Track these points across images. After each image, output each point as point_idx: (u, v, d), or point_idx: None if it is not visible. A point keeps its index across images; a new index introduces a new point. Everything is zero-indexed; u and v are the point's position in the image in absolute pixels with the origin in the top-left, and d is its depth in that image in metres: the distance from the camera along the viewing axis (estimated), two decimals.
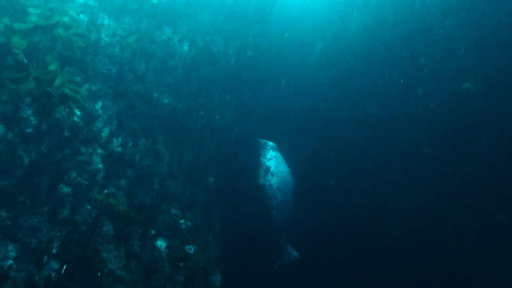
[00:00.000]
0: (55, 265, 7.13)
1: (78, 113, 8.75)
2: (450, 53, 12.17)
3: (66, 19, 9.25)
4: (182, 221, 9.88)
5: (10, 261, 6.72)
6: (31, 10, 9.33)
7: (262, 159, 12.78)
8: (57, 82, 7.84)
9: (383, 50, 13.27)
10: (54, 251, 7.22)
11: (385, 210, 11.87)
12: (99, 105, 9.87)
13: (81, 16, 11.08)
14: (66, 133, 8.64)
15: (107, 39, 11.12)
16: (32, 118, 8.32)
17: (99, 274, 7.52)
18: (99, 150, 9.13)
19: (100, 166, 8.92)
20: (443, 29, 12.45)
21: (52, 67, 8.34)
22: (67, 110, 8.36)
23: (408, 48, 12.89)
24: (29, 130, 8.18)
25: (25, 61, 8.24)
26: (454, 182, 11.40)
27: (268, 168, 12.49)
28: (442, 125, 11.86)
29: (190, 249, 9.53)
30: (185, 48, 12.39)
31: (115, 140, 9.59)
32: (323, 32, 14.57)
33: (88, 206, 8.11)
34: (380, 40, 13.39)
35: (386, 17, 13.47)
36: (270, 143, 13.14)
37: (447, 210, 11.23)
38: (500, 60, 11.37)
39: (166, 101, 11.39)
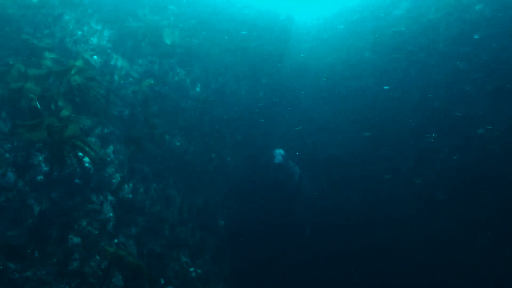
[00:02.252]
0: None
1: (88, 160, 8.65)
2: (465, 97, 12.06)
3: (79, 63, 9.24)
4: (192, 269, 9.69)
5: None
6: (46, 54, 9.32)
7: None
8: (69, 131, 7.76)
9: (396, 91, 13.18)
10: None
11: (397, 256, 11.63)
12: (110, 149, 9.77)
13: (95, 57, 11.07)
14: (77, 181, 8.52)
15: (120, 81, 11.09)
16: (43, 165, 8.21)
17: None
18: (109, 197, 9.01)
19: (111, 214, 8.79)
20: (457, 73, 12.36)
21: (64, 113, 8.28)
22: (78, 156, 8.27)
23: (421, 90, 12.78)
24: (40, 178, 8.06)
25: (39, 107, 8.20)
26: (468, 228, 11.19)
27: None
28: (455, 170, 11.69)
29: None
30: (197, 89, 12.36)
31: (126, 186, 9.47)
32: (334, 72, 14.54)
33: (97, 257, 7.94)
34: (392, 81, 13.31)
35: (399, 58, 13.42)
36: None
37: (461, 257, 10.99)
38: None
39: (177, 143, 11.31)
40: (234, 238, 11.89)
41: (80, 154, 8.37)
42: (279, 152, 13.18)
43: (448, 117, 12.19)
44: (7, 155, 7.88)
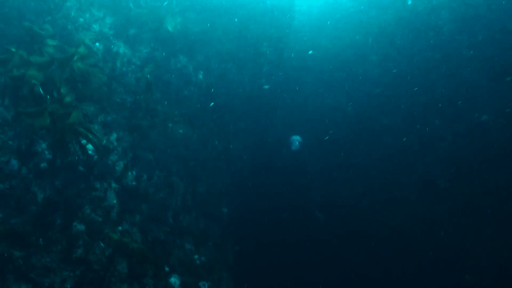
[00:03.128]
0: None
1: (91, 147, 8.60)
2: (468, 85, 11.99)
3: (81, 50, 9.15)
4: (196, 256, 9.67)
5: None
6: (48, 41, 9.24)
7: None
8: (72, 118, 7.71)
9: (399, 79, 13.10)
10: None
11: (399, 242, 11.61)
12: (114, 136, 9.74)
13: (97, 44, 11.00)
14: (80, 168, 8.49)
15: (122, 68, 11.02)
16: (46, 152, 8.18)
17: None
18: (113, 185, 8.98)
19: (115, 201, 8.77)
20: (461, 60, 12.28)
21: (67, 99, 8.23)
22: (82, 143, 8.23)
23: (424, 78, 12.71)
24: (43, 165, 8.03)
25: (42, 92, 8.14)
26: (471, 216, 11.16)
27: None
28: (459, 157, 11.65)
29: (204, 285, 9.31)
30: (200, 76, 12.29)
31: (129, 173, 9.44)
32: (338, 60, 14.43)
33: (102, 244, 7.93)
34: (396, 69, 13.22)
35: (403, 46, 13.32)
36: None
37: (464, 244, 10.98)
38: None
39: (180, 131, 11.26)
40: (237, 225, 11.86)
41: (83, 141, 8.32)
42: (297, 139, 13.11)
43: (452, 104, 12.13)
44: (10, 142, 7.85)
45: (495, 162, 11.19)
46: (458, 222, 11.28)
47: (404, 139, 12.44)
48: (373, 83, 13.52)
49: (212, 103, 12.37)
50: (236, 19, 13.37)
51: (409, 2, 13.37)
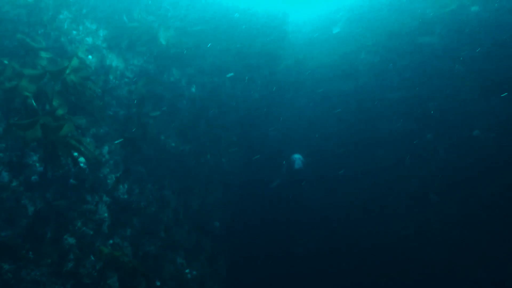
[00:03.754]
0: None
1: (83, 160, 8.56)
2: (460, 99, 12.07)
3: (74, 63, 9.13)
4: (187, 270, 9.61)
5: None
6: (42, 53, 9.23)
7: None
8: (64, 130, 7.68)
9: (392, 94, 13.17)
10: None
11: (392, 256, 11.59)
12: (105, 149, 9.70)
13: (89, 57, 10.99)
14: (72, 181, 8.43)
15: (115, 81, 11.01)
16: (37, 165, 8.13)
17: None
18: (105, 198, 8.92)
19: (106, 215, 8.70)
20: (452, 75, 12.38)
21: (59, 111, 8.20)
22: (73, 156, 8.19)
23: (416, 91, 12.79)
24: (34, 178, 7.97)
25: (35, 104, 8.11)
26: (464, 229, 11.18)
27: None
28: (451, 171, 11.69)
29: None
30: (193, 90, 12.29)
31: (121, 186, 9.39)
32: (330, 73, 14.51)
33: (92, 258, 7.85)
34: (388, 83, 13.30)
35: (394, 61, 13.42)
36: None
37: (457, 258, 10.98)
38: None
39: (173, 144, 11.25)
40: (229, 239, 11.81)
41: (75, 153, 8.28)
42: (299, 158, 13.09)
43: (444, 119, 12.20)
44: (1, 154, 7.80)
45: (486, 176, 11.23)
46: (450, 236, 11.28)
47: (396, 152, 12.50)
48: (365, 97, 13.59)
49: (210, 111, 12.40)
50: (230, 33, 13.42)
51: (404, 16, 13.50)
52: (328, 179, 13.19)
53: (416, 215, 11.83)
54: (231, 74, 13.07)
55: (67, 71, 8.91)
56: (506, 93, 11.34)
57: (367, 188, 12.62)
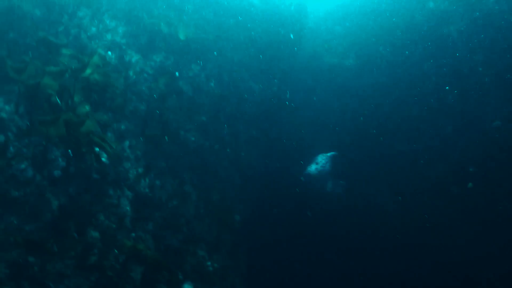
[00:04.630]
0: None
1: (105, 155, 8.67)
2: (480, 90, 11.95)
3: (96, 59, 9.26)
4: (209, 263, 9.69)
5: None
6: (63, 50, 9.36)
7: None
8: (86, 127, 7.79)
9: (410, 86, 13.07)
10: None
11: (413, 248, 11.53)
12: (126, 144, 9.81)
13: (109, 53, 11.10)
14: (94, 175, 8.55)
15: (134, 77, 11.12)
16: (60, 160, 8.25)
17: None
18: (127, 192, 9.03)
19: (128, 208, 8.81)
20: (471, 66, 12.25)
21: (81, 109, 8.32)
22: (95, 152, 8.31)
23: (435, 84, 12.68)
24: (57, 172, 8.10)
25: (59, 102, 8.23)
26: (485, 223, 11.08)
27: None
28: (471, 163, 11.59)
29: None
30: (212, 84, 12.34)
31: (142, 180, 9.49)
32: (348, 67, 14.44)
33: (115, 251, 7.96)
34: (407, 76, 13.20)
35: (413, 52, 13.31)
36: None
37: (478, 253, 10.88)
38: None
39: (192, 139, 11.31)
40: (250, 232, 11.86)
41: (97, 149, 8.39)
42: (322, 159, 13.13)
43: (463, 111, 12.09)
44: (24, 150, 7.93)
45: (508, 167, 11.12)
46: (473, 229, 11.19)
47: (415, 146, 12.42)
48: (385, 90, 13.49)
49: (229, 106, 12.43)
50: (247, 26, 13.43)
51: (422, 9, 13.39)
52: (348, 175, 13.15)
53: (437, 207, 11.72)
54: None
55: (89, 70, 9.03)
56: None
57: (387, 181, 12.55)
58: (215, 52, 12.67)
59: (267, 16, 13.96)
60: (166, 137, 10.59)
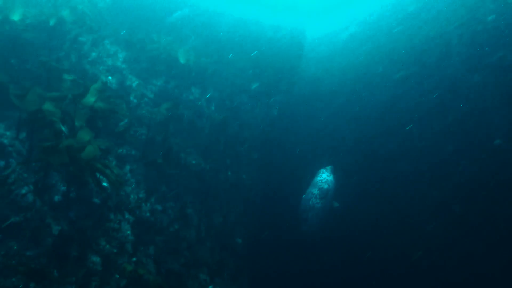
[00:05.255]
0: None
1: (106, 180, 8.66)
2: (479, 109, 11.95)
3: (96, 85, 9.31)
4: (211, 287, 9.61)
5: None
6: (65, 76, 9.42)
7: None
8: (88, 153, 7.80)
9: (411, 106, 13.09)
10: None
11: (415, 268, 11.43)
12: (127, 168, 9.81)
13: (110, 78, 11.18)
14: (94, 200, 8.53)
15: (135, 101, 11.18)
16: (60, 185, 8.24)
17: None
18: (127, 216, 9.00)
19: (129, 232, 8.77)
20: (470, 85, 12.27)
21: (82, 134, 8.33)
22: (96, 177, 8.29)
23: (436, 104, 12.69)
24: (57, 197, 8.09)
25: (63, 129, 8.25)
26: (486, 242, 10.98)
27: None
28: (473, 182, 11.53)
29: None
30: (212, 108, 12.39)
31: (143, 204, 9.46)
32: (345, 88, 14.51)
33: (117, 276, 7.90)
34: (406, 95, 13.23)
35: (412, 72, 13.36)
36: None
37: (480, 272, 10.75)
38: None
39: (193, 161, 11.32)
40: (252, 255, 11.78)
41: (98, 174, 8.37)
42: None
43: (464, 130, 12.07)
44: (25, 175, 7.93)
45: (509, 186, 11.06)
46: (472, 248, 11.10)
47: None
48: (384, 110, 13.53)
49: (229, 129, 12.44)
50: (246, 50, 13.53)
51: (424, 27, 13.47)
52: (349, 192, 13.09)
53: (439, 226, 11.65)
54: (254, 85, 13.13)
55: (94, 98, 9.06)
56: None
57: (388, 200, 12.50)
58: (215, 76, 12.72)
59: (267, 41, 14.06)
60: (167, 161, 10.57)
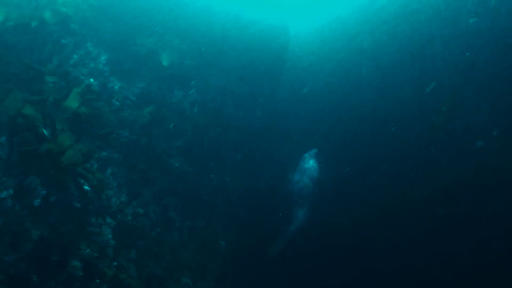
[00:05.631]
0: None
1: (87, 183, 8.61)
2: (462, 111, 12.01)
3: (78, 89, 9.26)
4: None
5: None
6: (47, 78, 9.36)
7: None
8: (67, 156, 7.75)
9: (394, 108, 13.14)
10: None
11: (398, 271, 11.49)
12: (109, 172, 9.76)
13: (92, 80, 11.11)
14: (75, 203, 8.48)
15: (117, 103, 11.12)
16: (40, 188, 8.18)
17: None
18: (108, 220, 8.96)
19: (110, 236, 8.72)
20: (453, 87, 12.33)
21: (62, 138, 8.26)
22: (77, 181, 8.25)
23: (418, 105, 12.75)
24: (37, 201, 8.03)
25: (46, 133, 8.19)
26: (470, 244, 11.06)
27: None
28: (456, 184, 11.60)
29: None
30: (195, 110, 12.36)
31: (125, 208, 9.42)
32: (330, 92, 14.55)
33: (97, 280, 7.86)
34: (390, 98, 13.28)
35: (394, 75, 13.41)
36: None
37: (463, 274, 10.84)
38: None
39: (176, 164, 11.29)
40: (236, 258, 11.78)
41: (79, 178, 8.32)
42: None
43: (447, 131, 12.14)
44: (4, 179, 7.87)
45: (491, 187, 11.13)
46: (457, 249, 11.17)
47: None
48: (368, 110, 13.58)
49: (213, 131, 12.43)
50: (229, 52, 13.50)
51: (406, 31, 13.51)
52: (332, 195, 13.15)
53: (422, 229, 11.71)
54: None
55: (75, 102, 9.01)
56: None
57: (371, 202, 12.56)
58: (198, 79, 12.69)
59: (251, 41, 14.00)
60: (149, 164, 10.54)
